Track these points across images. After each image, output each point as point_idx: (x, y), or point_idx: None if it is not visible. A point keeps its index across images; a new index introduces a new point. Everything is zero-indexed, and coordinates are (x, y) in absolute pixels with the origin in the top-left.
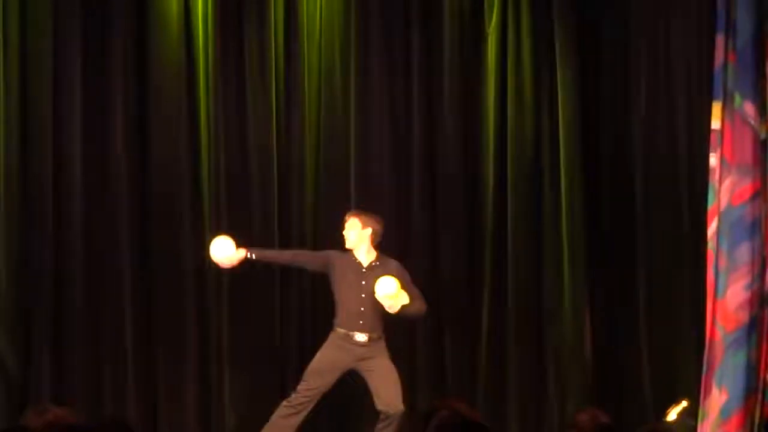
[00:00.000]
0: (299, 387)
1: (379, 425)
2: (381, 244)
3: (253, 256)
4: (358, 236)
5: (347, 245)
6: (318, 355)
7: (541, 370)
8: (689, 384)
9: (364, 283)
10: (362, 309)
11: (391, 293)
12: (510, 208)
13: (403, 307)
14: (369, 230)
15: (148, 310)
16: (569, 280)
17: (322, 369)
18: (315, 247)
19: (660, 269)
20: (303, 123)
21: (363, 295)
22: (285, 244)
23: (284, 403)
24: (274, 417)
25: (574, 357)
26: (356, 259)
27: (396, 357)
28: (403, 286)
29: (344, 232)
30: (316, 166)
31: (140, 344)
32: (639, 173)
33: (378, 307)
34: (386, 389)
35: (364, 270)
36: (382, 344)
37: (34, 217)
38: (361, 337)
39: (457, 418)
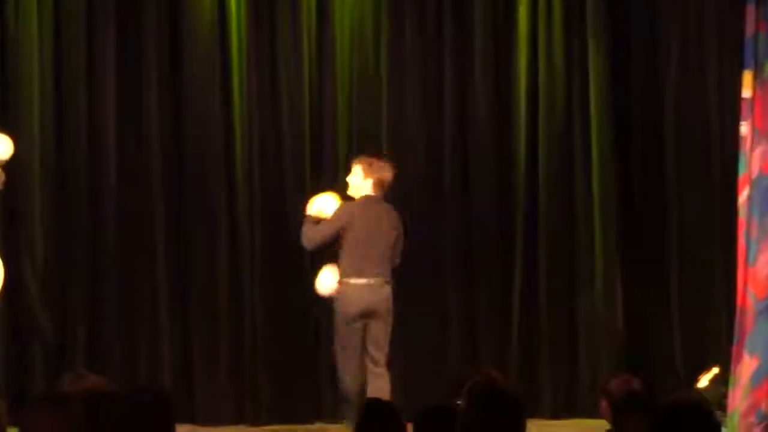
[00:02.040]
0: None
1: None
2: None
3: None
4: (358, 186)
5: (348, 192)
6: None
7: (572, 338)
8: (720, 351)
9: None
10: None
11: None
12: (541, 179)
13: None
14: (370, 180)
15: (183, 283)
16: (601, 248)
17: None
18: None
19: (691, 237)
20: (335, 93)
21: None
22: None
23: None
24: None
25: (606, 324)
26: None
27: (427, 325)
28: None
29: (347, 178)
30: (349, 139)
31: (175, 317)
32: (670, 143)
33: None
34: None
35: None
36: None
37: (69, 189)
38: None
39: (491, 386)
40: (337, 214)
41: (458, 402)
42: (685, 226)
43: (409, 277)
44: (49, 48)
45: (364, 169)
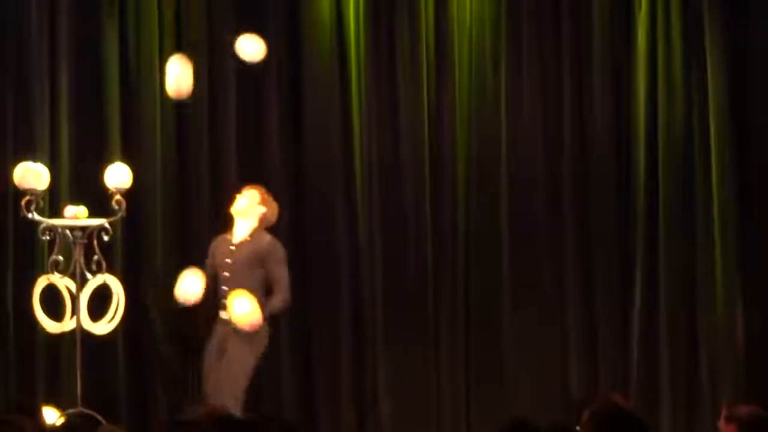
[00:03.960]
0: None
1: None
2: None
3: None
4: (250, 208)
5: (233, 210)
6: None
7: (694, 360)
8: None
9: (229, 261)
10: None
11: (247, 312)
12: (661, 194)
13: (269, 312)
14: (263, 209)
15: (304, 300)
16: (721, 269)
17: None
18: (467, 236)
19: None
20: (454, 118)
21: (226, 273)
22: (437, 232)
23: None
24: None
25: (727, 346)
26: (228, 236)
27: (548, 345)
28: (270, 269)
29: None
30: (467, 161)
31: (295, 334)
32: None
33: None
34: None
35: (232, 247)
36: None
37: (191, 214)
38: (224, 315)
39: (615, 409)
40: (281, 256)
41: (578, 428)
42: None
43: (527, 289)
44: None
45: (262, 198)
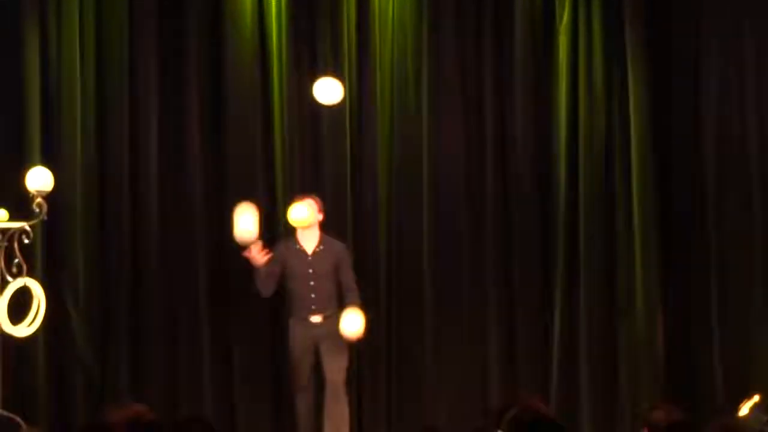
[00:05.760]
0: None
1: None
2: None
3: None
4: (311, 217)
5: (294, 220)
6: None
7: (613, 367)
8: (763, 378)
9: (311, 271)
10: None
11: (360, 329)
12: (582, 205)
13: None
14: (320, 217)
15: (224, 308)
16: (642, 276)
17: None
18: (389, 251)
19: (733, 264)
20: (375, 124)
21: (312, 283)
22: (358, 248)
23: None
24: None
25: (647, 353)
26: (300, 246)
27: (469, 353)
28: (345, 272)
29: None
30: (389, 167)
31: (217, 344)
32: (710, 170)
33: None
34: None
35: (309, 257)
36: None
37: (111, 217)
38: (316, 318)
39: (532, 415)
40: (350, 261)
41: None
42: (726, 250)
43: (450, 299)
44: (92, 73)
45: (319, 207)
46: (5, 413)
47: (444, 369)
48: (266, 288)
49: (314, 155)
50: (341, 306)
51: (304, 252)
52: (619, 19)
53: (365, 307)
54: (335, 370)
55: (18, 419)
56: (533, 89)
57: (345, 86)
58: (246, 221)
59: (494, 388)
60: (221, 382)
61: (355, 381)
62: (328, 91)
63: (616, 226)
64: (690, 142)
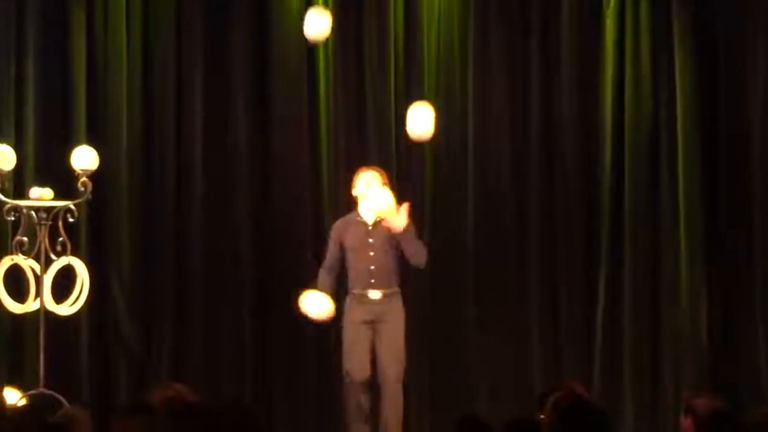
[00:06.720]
0: None
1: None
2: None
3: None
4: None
5: (359, 193)
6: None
7: (656, 353)
8: None
9: (371, 240)
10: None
11: (386, 208)
12: (627, 192)
13: (406, 232)
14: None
15: (266, 295)
16: (686, 262)
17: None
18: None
19: None
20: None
21: (371, 253)
22: None
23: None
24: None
25: (691, 339)
26: (360, 218)
27: (511, 339)
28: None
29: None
30: (435, 161)
31: (257, 334)
32: (757, 157)
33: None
34: None
35: (370, 228)
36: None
37: (156, 197)
38: (375, 294)
39: (575, 400)
40: (412, 229)
41: (542, 416)
42: None
43: (493, 284)
44: (138, 65)
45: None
46: (47, 392)
47: (487, 355)
48: (326, 287)
49: (359, 148)
50: (402, 285)
51: (364, 223)
52: (667, 2)
53: (408, 291)
54: (392, 362)
55: (60, 398)
56: (579, 73)
57: (391, 80)
58: (316, 305)
59: (537, 374)
60: (262, 366)
61: None
62: (316, 24)
63: (661, 210)
64: (737, 127)
